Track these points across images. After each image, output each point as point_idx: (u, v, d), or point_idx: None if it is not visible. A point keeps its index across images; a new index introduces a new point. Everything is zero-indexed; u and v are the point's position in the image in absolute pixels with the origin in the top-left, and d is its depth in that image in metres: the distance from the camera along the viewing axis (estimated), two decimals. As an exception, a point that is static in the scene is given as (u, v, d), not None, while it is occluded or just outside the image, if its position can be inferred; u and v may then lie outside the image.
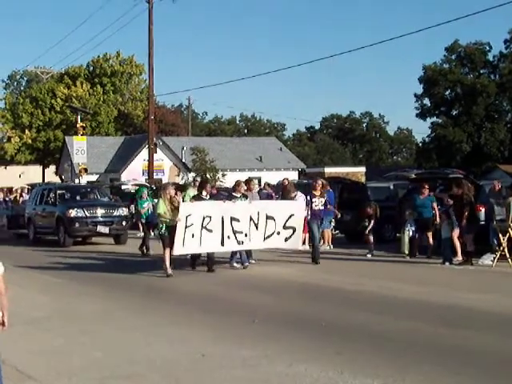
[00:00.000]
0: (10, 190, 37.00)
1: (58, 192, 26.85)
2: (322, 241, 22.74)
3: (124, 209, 26.22)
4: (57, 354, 8.83)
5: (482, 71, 73.52)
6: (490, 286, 13.75)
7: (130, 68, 68.45)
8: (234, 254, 17.25)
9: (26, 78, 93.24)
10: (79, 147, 37.58)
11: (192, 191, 18.70)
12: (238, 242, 16.40)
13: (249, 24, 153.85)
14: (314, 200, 18.31)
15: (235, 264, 17.12)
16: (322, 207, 18.50)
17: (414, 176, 23.53)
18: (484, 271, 15.97)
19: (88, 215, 24.83)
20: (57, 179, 61.25)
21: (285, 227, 17.22)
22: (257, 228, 16.71)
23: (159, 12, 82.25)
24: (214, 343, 9.14)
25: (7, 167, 68.80)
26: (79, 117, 41.67)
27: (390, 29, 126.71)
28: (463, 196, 17.24)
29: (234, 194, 17.43)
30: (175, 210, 15.78)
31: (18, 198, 32.87)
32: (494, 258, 16.60)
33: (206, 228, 15.72)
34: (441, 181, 21.76)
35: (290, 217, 17.25)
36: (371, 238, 19.73)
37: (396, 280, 15.02)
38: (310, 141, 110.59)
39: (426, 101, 75.21)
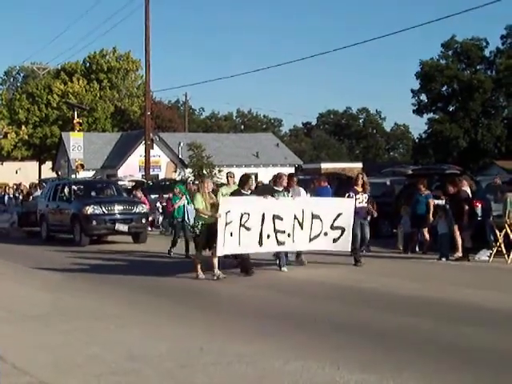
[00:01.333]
0: (18, 186, 35.50)
1: (73, 187, 25.44)
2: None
3: (143, 205, 24.89)
4: (55, 350, 8.83)
5: (478, 67, 73.60)
6: (486, 282, 13.78)
7: (126, 64, 68.42)
8: (280, 255, 15.61)
9: (22, 74, 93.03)
10: (76, 143, 37.54)
11: (225, 189, 17.03)
12: (279, 243, 14.99)
13: (246, 20, 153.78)
14: (357, 196, 16.49)
15: (285, 268, 15.46)
16: (365, 204, 16.74)
17: (410, 172, 23.57)
18: (481, 267, 16.01)
19: (106, 212, 23.39)
20: (54, 175, 61.27)
21: (333, 227, 15.77)
22: (301, 228, 15.30)
23: (156, 8, 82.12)
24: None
25: (4, 163, 68.77)
26: (76, 113, 41.57)
27: (386, 24, 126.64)
28: (460, 193, 17.28)
29: (275, 188, 15.91)
30: (212, 206, 14.56)
31: (29, 193, 31.51)
32: (491, 254, 16.63)
33: (244, 226, 14.42)
34: (437, 177, 21.80)
35: (339, 216, 15.79)
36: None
37: (392, 276, 15.04)
38: (306, 136, 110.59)
39: (423, 97, 75.33)
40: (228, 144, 62.07)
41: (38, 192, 29.60)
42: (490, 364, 7.85)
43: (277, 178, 16.11)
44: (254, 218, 14.51)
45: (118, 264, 18.26)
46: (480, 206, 18.44)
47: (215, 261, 14.39)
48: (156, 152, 53.04)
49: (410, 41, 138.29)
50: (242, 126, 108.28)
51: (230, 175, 17.70)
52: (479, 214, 18.25)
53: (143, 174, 43.83)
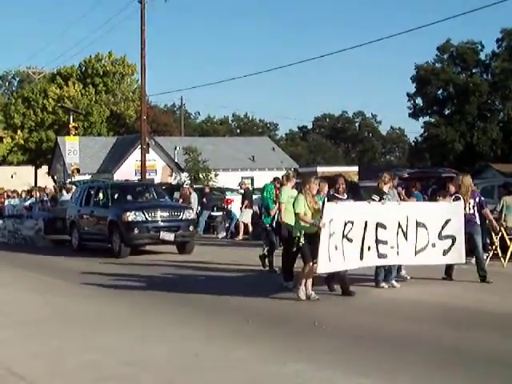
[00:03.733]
0: (44, 189, 32.53)
1: (110, 191, 22.52)
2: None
3: (190, 211, 22.34)
4: (52, 355, 8.80)
5: (474, 70, 73.64)
6: (482, 285, 13.74)
7: (122, 68, 68.41)
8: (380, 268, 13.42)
9: (17, 79, 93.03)
10: (71, 147, 37.48)
11: (288, 189, 14.56)
12: (380, 255, 12.80)
13: (241, 24, 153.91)
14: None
15: (394, 282, 13.50)
16: (473, 210, 14.32)
17: (406, 175, 23.57)
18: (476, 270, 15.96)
19: (149, 219, 20.72)
20: (49, 180, 61.22)
21: (441, 237, 13.50)
22: (406, 238, 13.11)
23: (152, 12, 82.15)
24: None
25: (-1, 168, 68.75)
26: (71, 117, 41.51)
27: (382, 28, 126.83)
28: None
29: (383, 189, 13.70)
30: (315, 212, 12.23)
31: (54, 197, 28.82)
32: (487, 257, 16.61)
33: (346, 237, 12.26)
34: (434, 180, 21.82)
35: (447, 222, 13.54)
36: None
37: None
38: (302, 140, 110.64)
39: (419, 100, 75.35)
40: (224, 148, 62.11)
41: (66, 196, 27.10)
42: (484, 367, 7.85)
43: (384, 178, 13.83)
44: (357, 227, 12.43)
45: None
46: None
47: (309, 279, 12.20)
48: (152, 156, 53.01)
49: (405, 44, 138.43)
50: (238, 130, 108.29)
51: (289, 175, 15.09)
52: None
53: (139, 178, 43.79)
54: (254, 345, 9.08)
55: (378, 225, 12.70)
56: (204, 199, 28.91)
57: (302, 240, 12.11)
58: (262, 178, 41.30)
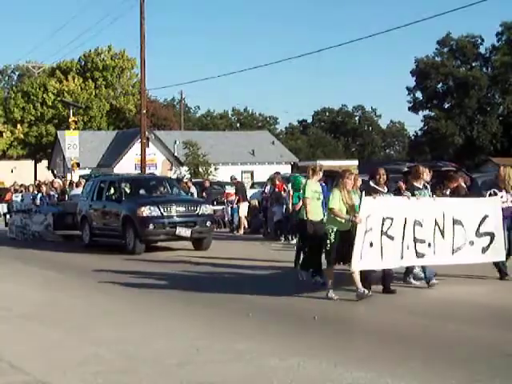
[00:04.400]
0: (52, 183, 30.82)
1: (123, 185, 21.78)
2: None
3: (207, 205, 21.46)
4: (53, 349, 8.82)
5: (474, 64, 73.71)
6: (481, 279, 13.75)
7: (121, 62, 68.41)
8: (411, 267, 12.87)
9: (17, 73, 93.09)
10: (71, 142, 37.47)
11: (314, 183, 13.65)
12: (418, 255, 12.05)
13: (240, 18, 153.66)
14: (500, 194, 13.60)
15: (412, 280, 12.91)
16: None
17: (406, 169, 23.52)
18: (475, 264, 15.96)
19: (164, 214, 19.82)
20: (49, 174, 61.25)
21: (479, 234, 12.83)
22: (443, 236, 12.36)
23: (151, 6, 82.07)
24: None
25: (-1, 162, 68.81)
26: (71, 111, 41.52)
27: (381, 22, 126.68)
28: (458, 189, 17.25)
29: (415, 184, 12.85)
30: (350, 208, 11.57)
31: (63, 191, 27.75)
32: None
33: (386, 234, 11.54)
34: (433, 173, 21.77)
35: (484, 219, 12.88)
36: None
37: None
38: (302, 134, 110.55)
39: (418, 94, 75.47)
40: (224, 142, 62.10)
41: (76, 190, 26.08)
42: (484, 361, 7.83)
43: (417, 172, 13.14)
44: (397, 224, 11.70)
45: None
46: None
47: (357, 276, 11.36)
48: (152, 150, 53.02)
49: (405, 38, 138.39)
50: (238, 124, 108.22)
51: (315, 168, 13.93)
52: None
53: (139, 172, 43.80)
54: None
55: (416, 222, 11.98)
56: (204, 193, 28.91)
57: (333, 237, 11.51)
58: (262, 172, 41.40)
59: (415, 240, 11.91)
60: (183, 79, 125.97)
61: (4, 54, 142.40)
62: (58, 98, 61.88)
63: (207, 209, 20.93)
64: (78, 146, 37.90)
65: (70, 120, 39.10)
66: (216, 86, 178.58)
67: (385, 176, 12.61)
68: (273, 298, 11.96)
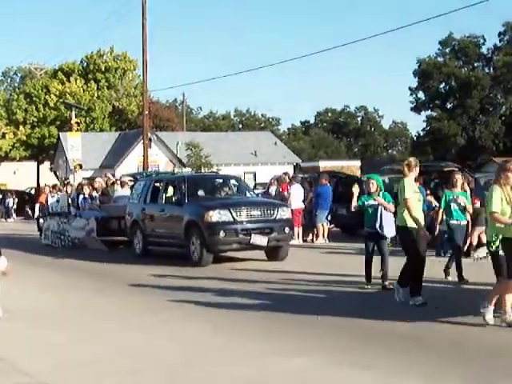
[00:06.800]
0: (92, 184, 26.25)
1: (184, 185, 18.48)
2: (316, 235, 22.74)
3: (285, 208, 18.28)
4: (55, 350, 8.83)
5: (476, 64, 73.64)
6: (484, 279, 13.76)
7: (123, 63, 68.43)
8: None
9: (19, 75, 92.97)
10: (74, 143, 37.49)
11: (411, 181, 11.39)
12: None
13: (243, 18, 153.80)
14: None
15: None
16: None
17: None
18: (478, 264, 15.98)
19: (237, 219, 16.92)
20: (52, 175, 61.31)
21: None
22: None
23: (153, 7, 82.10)
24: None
25: (1, 164, 68.75)
26: (74, 113, 41.54)
27: (383, 22, 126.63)
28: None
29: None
30: None
31: (104, 193, 24.60)
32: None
33: None
34: (436, 174, 21.82)
35: None
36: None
37: (392, 272, 14.99)
38: (304, 135, 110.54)
39: (421, 94, 75.37)
40: (226, 143, 62.13)
41: (121, 191, 23.72)
42: (487, 362, 7.85)
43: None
44: None
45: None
46: (478, 203, 18.44)
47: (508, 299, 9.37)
48: (154, 151, 53.09)
49: (407, 38, 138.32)
50: (240, 125, 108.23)
51: (410, 163, 11.43)
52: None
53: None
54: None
55: None
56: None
57: (498, 245, 9.54)
58: (265, 173, 41.37)
59: None
60: (186, 80, 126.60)
61: (6, 55, 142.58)
62: (61, 100, 61.89)
63: (285, 212, 17.86)
64: (81, 147, 37.92)
65: (72, 121, 39.11)
66: (218, 87, 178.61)
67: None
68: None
